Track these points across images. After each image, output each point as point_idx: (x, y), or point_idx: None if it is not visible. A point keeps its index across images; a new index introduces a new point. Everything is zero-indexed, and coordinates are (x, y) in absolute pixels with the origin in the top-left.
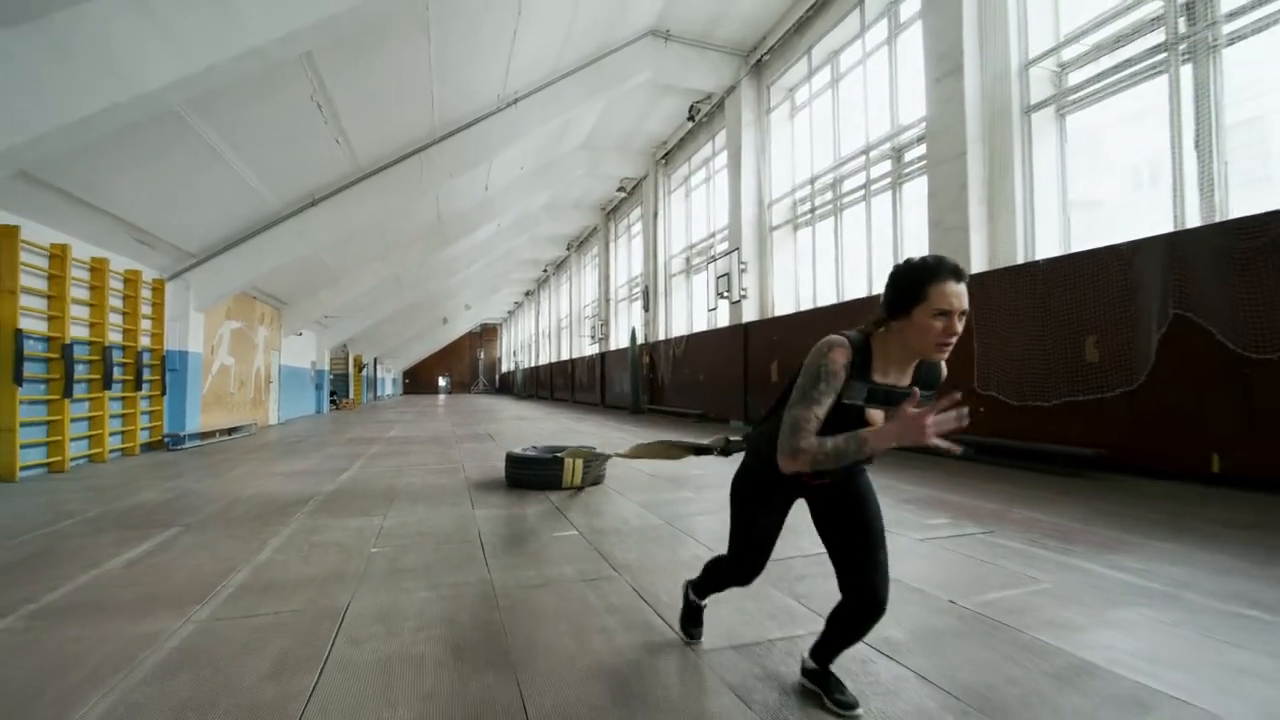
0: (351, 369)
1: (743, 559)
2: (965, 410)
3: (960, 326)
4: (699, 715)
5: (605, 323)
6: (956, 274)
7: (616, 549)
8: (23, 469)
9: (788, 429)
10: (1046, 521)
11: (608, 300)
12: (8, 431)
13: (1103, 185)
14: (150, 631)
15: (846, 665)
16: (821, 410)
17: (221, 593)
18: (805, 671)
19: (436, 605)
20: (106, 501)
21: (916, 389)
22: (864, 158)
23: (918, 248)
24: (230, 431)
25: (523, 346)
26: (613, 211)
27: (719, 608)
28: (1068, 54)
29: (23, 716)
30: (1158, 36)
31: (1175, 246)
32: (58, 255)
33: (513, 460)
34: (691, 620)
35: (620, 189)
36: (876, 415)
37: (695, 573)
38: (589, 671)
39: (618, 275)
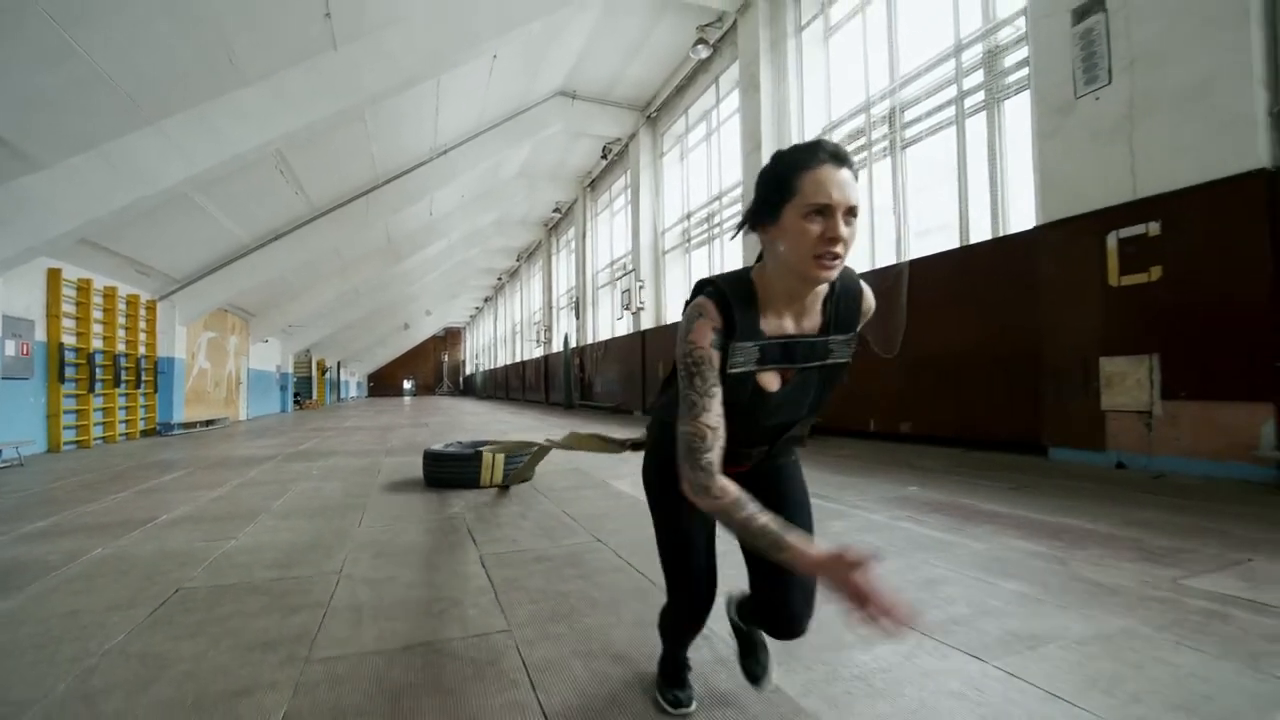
0: (315, 372)
1: (680, 582)
2: (910, 614)
3: (847, 231)
4: (438, 511)
5: (549, 328)
6: (837, 157)
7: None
8: (64, 444)
9: (683, 452)
10: None
11: (551, 308)
12: (55, 416)
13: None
14: (213, 492)
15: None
16: (715, 408)
17: (231, 484)
18: (731, 621)
19: (343, 485)
20: (137, 460)
21: (868, 555)
22: (718, 201)
23: None
24: (209, 423)
25: (484, 350)
26: (553, 229)
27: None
28: (845, 129)
29: (186, 497)
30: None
31: None
32: (83, 287)
33: (429, 458)
34: (671, 682)
35: (556, 210)
36: (770, 380)
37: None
38: (408, 506)
39: (559, 285)
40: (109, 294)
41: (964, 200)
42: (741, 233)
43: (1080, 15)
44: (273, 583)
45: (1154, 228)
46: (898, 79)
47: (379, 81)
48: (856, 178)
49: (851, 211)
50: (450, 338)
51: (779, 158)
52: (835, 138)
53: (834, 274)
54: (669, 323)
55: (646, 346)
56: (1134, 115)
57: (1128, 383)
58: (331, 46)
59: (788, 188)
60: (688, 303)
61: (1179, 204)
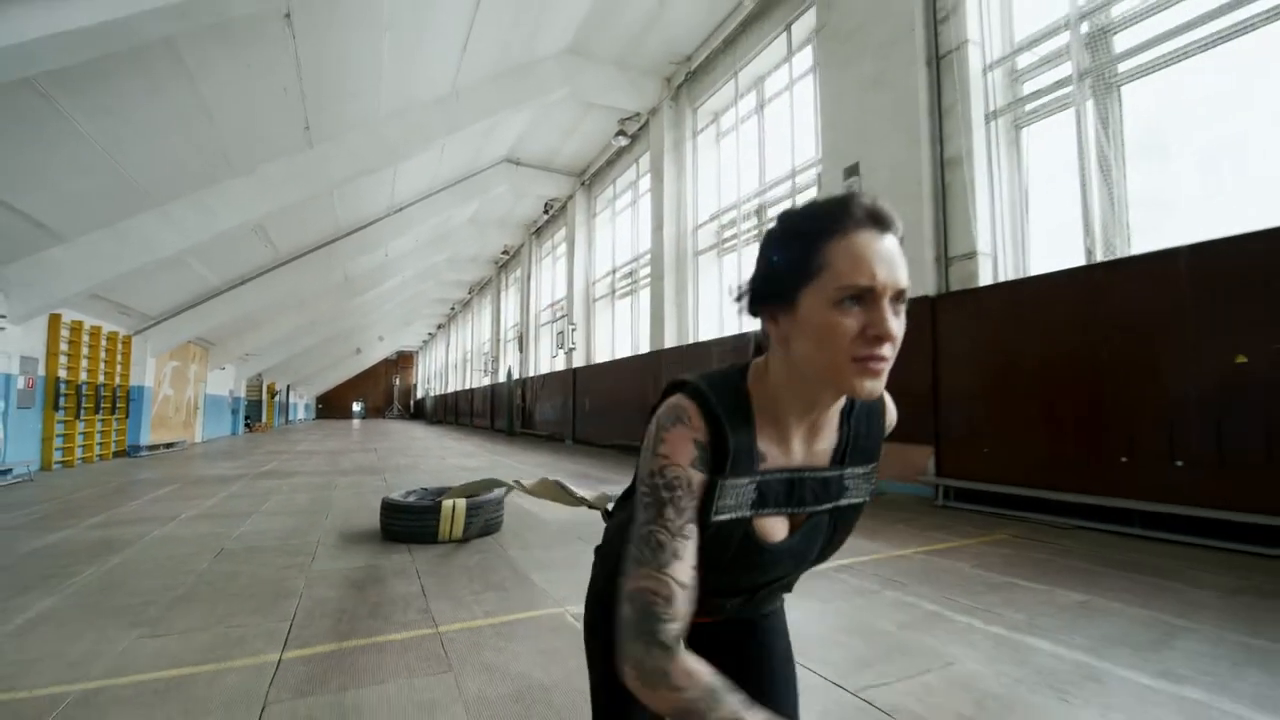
0: (265, 396)
1: None
2: None
3: (898, 325)
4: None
5: (496, 359)
6: (876, 218)
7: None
8: (54, 463)
9: (633, 619)
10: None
11: (498, 340)
12: (49, 439)
13: None
14: (210, 501)
15: None
16: (687, 557)
17: (220, 495)
18: None
19: (310, 497)
20: (126, 477)
21: None
22: (636, 261)
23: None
24: (170, 445)
25: (435, 375)
26: (503, 266)
27: None
28: (726, 219)
29: (191, 504)
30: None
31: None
32: (76, 328)
33: (386, 508)
34: None
35: (505, 251)
36: (775, 526)
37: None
38: (359, 507)
39: (507, 319)
40: (94, 332)
41: None
42: (742, 312)
43: (848, 174)
44: (279, 545)
45: None
46: (765, 183)
47: (343, 171)
48: (901, 244)
49: (900, 297)
50: (402, 361)
51: (790, 219)
52: (714, 227)
53: (881, 385)
54: (597, 361)
55: (576, 382)
56: None
57: None
58: (308, 146)
59: (809, 262)
60: (654, 408)
61: None
